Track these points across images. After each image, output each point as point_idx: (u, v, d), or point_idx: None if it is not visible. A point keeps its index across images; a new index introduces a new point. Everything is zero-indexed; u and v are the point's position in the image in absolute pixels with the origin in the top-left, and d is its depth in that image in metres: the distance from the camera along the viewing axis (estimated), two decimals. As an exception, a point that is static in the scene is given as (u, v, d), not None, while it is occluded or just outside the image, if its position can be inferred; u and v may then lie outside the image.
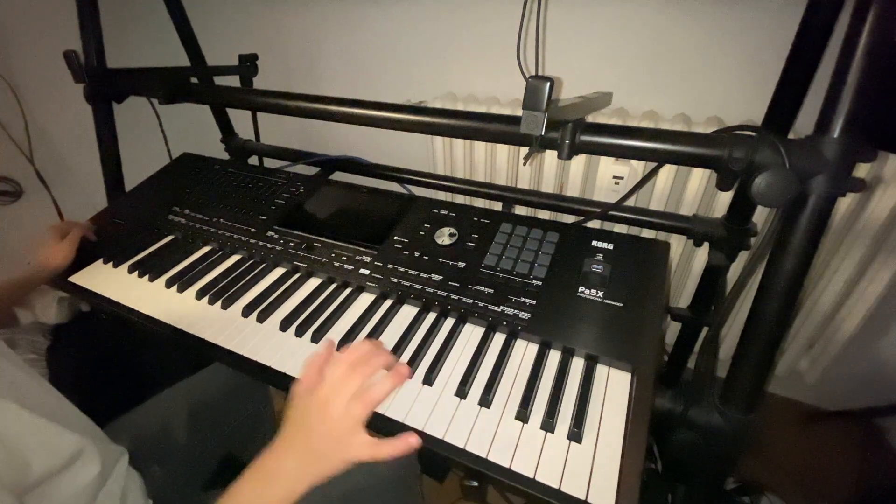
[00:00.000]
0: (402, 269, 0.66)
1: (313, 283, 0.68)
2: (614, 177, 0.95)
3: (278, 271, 0.70)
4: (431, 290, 0.63)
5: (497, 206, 0.95)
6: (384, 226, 0.73)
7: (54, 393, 0.51)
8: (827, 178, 0.41)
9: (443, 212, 0.74)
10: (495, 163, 1.08)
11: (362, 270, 0.67)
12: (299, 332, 0.60)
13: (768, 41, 0.82)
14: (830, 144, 0.41)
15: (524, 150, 0.61)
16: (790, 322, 0.98)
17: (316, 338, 0.59)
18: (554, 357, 0.55)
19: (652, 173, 0.79)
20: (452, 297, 0.61)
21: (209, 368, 0.80)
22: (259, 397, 0.83)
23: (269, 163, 1.04)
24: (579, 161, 0.99)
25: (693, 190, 0.91)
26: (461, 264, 0.65)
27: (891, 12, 0.37)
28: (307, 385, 0.47)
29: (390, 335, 0.59)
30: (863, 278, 0.89)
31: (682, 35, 0.88)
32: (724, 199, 0.90)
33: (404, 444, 0.45)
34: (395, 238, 0.71)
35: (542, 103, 0.43)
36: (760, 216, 0.82)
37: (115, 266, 0.73)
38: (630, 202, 0.90)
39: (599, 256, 0.63)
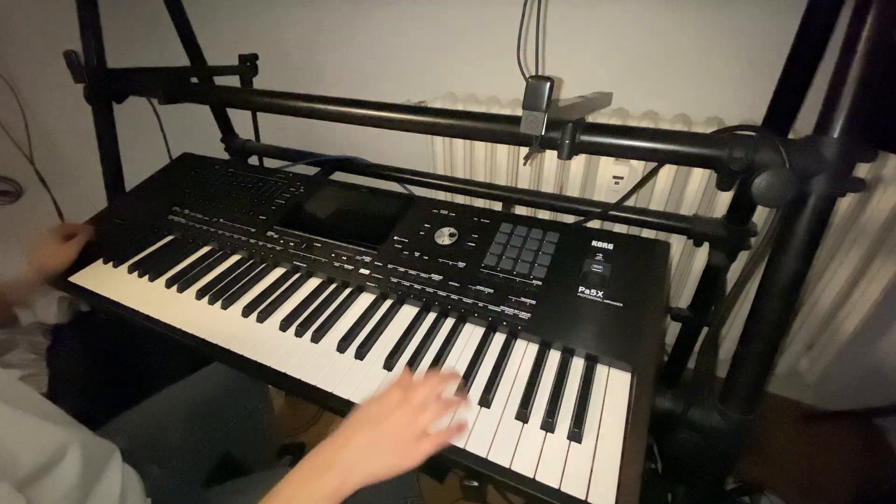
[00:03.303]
0: (402, 269, 0.66)
1: (313, 283, 0.68)
2: (614, 177, 0.95)
3: (278, 271, 0.70)
4: (431, 290, 0.63)
5: (497, 206, 0.95)
6: (384, 226, 0.73)
7: (29, 389, 0.51)
8: (827, 179, 0.41)
9: (443, 212, 0.74)
10: (495, 163, 1.08)
11: (362, 270, 0.67)
12: (299, 332, 0.60)
13: (768, 41, 0.81)
14: (830, 144, 0.40)
15: (524, 150, 0.61)
16: (790, 322, 0.98)
17: (316, 338, 0.59)
18: (554, 357, 0.55)
19: (652, 173, 0.79)
20: (452, 297, 0.61)
21: (207, 367, 0.80)
22: (257, 396, 0.83)
23: (269, 163, 1.04)
24: (579, 161, 0.99)
25: (693, 190, 0.91)
26: (461, 264, 0.65)
27: (891, 12, 0.37)
28: (388, 395, 0.47)
29: (390, 335, 0.59)
30: (863, 278, 0.89)
31: (682, 35, 0.88)
32: (724, 199, 0.90)
33: (456, 429, 0.47)
34: (395, 238, 0.71)
35: (542, 103, 0.43)
36: (760, 216, 0.82)
37: (115, 266, 0.73)
38: (630, 202, 0.90)
39: (599, 256, 0.63)
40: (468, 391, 0.52)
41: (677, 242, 1.00)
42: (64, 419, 0.52)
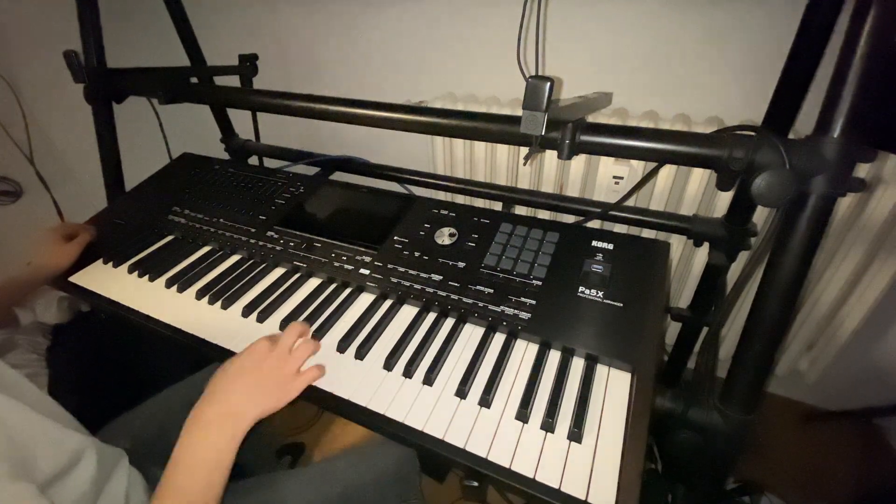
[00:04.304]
0: (402, 269, 0.66)
1: (313, 283, 0.68)
2: (614, 177, 0.95)
3: (278, 271, 0.70)
4: (431, 290, 0.63)
5: (497, 206, 0.95)
6: (384, 226, 0.73)
7: (47, 397, 0.51)
8: (827, 179, 0.41)
9: (443, 212, 0.74)
10: (495, 163, 1.08)
11: (362, 270, 0.67)
12: (299, 332, 0.60)
13: (768, 41, 0.82)
14: (830, 144, 0.41)
15: (524, 150, 0.61)
16: (790, 322, 0.98)
17: (316, 338, 0.59)
18: (554, 357, 0.55)
19: (652, 173, 0.79)
20: (452, 297, 0.61)
21: (208, 368, 0.80)
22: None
23: (269, 163, 1.04)
24: (579, 161, 0.99)
25: (693, 190, 0.91)
26: (461, 264, 0.65)
27: (891, 12, 0.37)
28: (257, 346, 0.53)
29: (390, 335, 0.59)
30: (863, 278, 0.89)
31: (682, 35, 0.88)
32: (724, 199, 0.90)
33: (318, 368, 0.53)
34: (395, 238, 0.71)
35: (542, 103, 0.43)
36: (760, 216, 0.82)
37: (115, 266, 0.73)
38: (630, 202, 0.90)
39: (599, 256, 0.63)
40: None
41: (677, 242, 1.00)
42: (76, 424, 0.52)
